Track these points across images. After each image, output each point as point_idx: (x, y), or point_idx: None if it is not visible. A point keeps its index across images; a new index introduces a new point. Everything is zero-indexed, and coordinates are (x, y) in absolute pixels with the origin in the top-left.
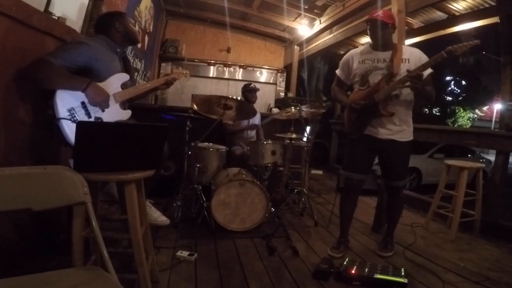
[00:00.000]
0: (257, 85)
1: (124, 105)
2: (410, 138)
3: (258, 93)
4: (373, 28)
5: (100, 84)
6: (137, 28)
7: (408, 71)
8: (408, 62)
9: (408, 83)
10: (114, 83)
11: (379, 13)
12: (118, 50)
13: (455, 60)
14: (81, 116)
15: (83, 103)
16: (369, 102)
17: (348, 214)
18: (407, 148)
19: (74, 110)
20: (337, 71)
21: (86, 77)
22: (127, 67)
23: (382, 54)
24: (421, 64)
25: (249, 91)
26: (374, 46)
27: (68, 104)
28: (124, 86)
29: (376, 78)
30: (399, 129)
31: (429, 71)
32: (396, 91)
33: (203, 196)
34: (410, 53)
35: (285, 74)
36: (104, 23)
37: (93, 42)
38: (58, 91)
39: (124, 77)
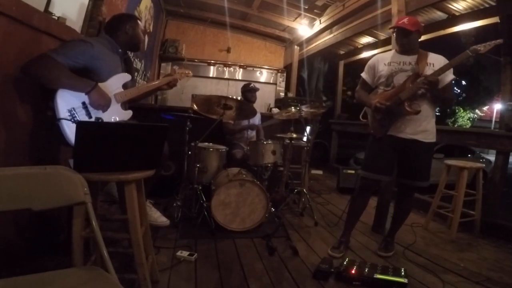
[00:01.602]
0: (257, 85)
1: (125, 105)
2: (433, 140)
3: (258, 93)
4: (397, 35)
5: (102, 84)
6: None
7: (425, 76)
8: (433, 66)
9: (422, 90)
10: (116, 83)
11: (404, 20)
12: (120, 50)
13: None
14: (82, 116)
15: (84, 103)
16: (395, 102)
17: (356, 215)
18: (430, 149)
19: (74, 110)
20: (363, 74)
21: (86, 75)
22: (128, 68)
23: (408, 57)
24: None
25: (248, 91)
26: (400, 51)
27: (69, 104)
28: (125, 86)
29: (401, 80)
30: (422, 129)
31: (451, 76)
32: (421, 91)
33: (203, 196)
34: (435, 59)
35: (285, 74)
36: (113, 23)
37: (95, 41)
38: (58, 91)
39: (125, 77)
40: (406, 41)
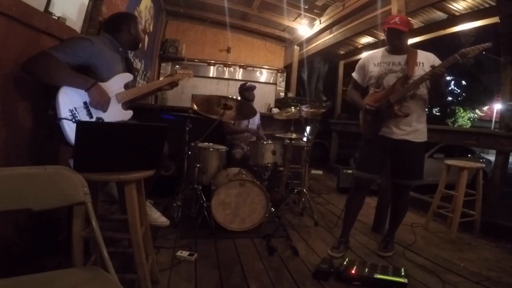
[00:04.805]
0: (257, 85)
1: (126, 105)
2: (424, 139)
3: (258, 93)
4: (390, 35)
5: (104, 84)
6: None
7: (432, 67)
8: (423, 66)
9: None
10: (117, 83)
11: (396, 20)
12: (121, 49)
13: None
14: (83, 116)
15: (85, 103)
16: (384, 104)
17: (353, 213)
18: (421, 148)
19: (76, 110)
20: (353, 74)
21: (86, 73)
22: (129, 67)
23: (397, 57)
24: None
25: (245, 89)
26: (390, 50)
27: (71, 104)
28: (126, 86)
29: (391, 81)
30: (413, 129)
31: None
32: (411, 92)
33: (203, 196)
34: (425, 57)
35: (285, 74)
36: (116, 22)
37: (95, 39)
38: (60, 91)
39: (127, 77)
40: (398, 42)
